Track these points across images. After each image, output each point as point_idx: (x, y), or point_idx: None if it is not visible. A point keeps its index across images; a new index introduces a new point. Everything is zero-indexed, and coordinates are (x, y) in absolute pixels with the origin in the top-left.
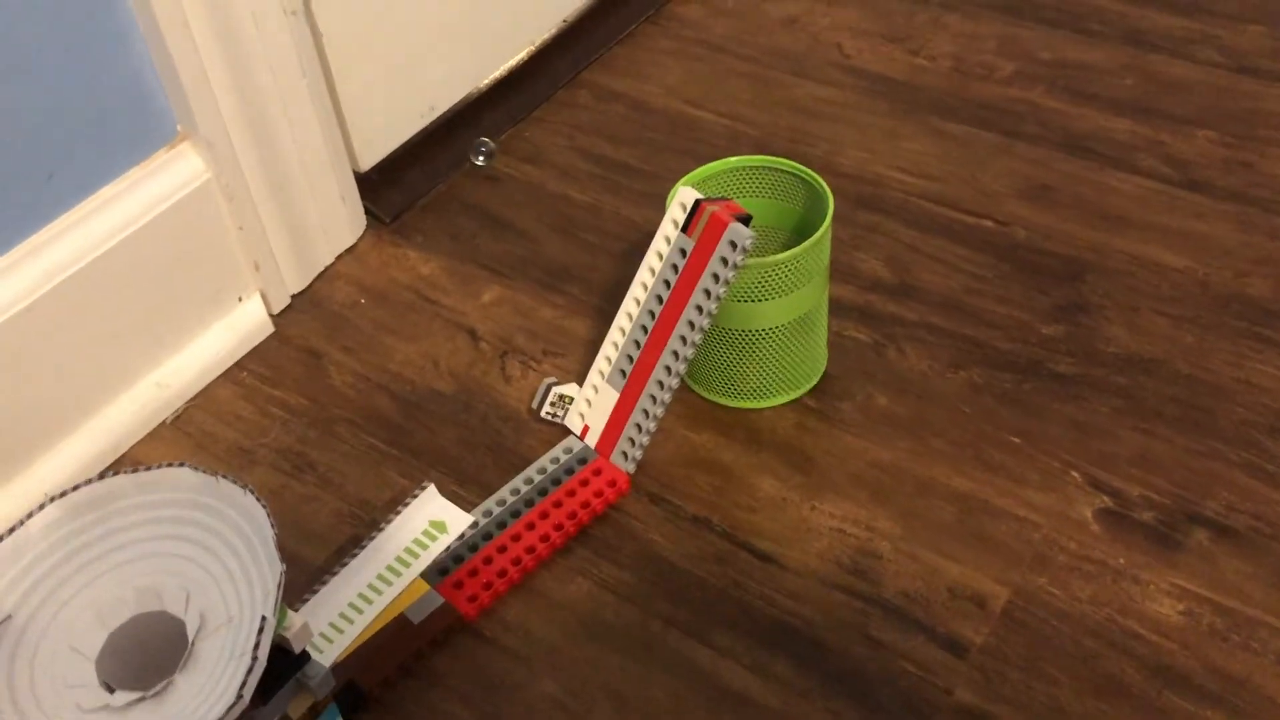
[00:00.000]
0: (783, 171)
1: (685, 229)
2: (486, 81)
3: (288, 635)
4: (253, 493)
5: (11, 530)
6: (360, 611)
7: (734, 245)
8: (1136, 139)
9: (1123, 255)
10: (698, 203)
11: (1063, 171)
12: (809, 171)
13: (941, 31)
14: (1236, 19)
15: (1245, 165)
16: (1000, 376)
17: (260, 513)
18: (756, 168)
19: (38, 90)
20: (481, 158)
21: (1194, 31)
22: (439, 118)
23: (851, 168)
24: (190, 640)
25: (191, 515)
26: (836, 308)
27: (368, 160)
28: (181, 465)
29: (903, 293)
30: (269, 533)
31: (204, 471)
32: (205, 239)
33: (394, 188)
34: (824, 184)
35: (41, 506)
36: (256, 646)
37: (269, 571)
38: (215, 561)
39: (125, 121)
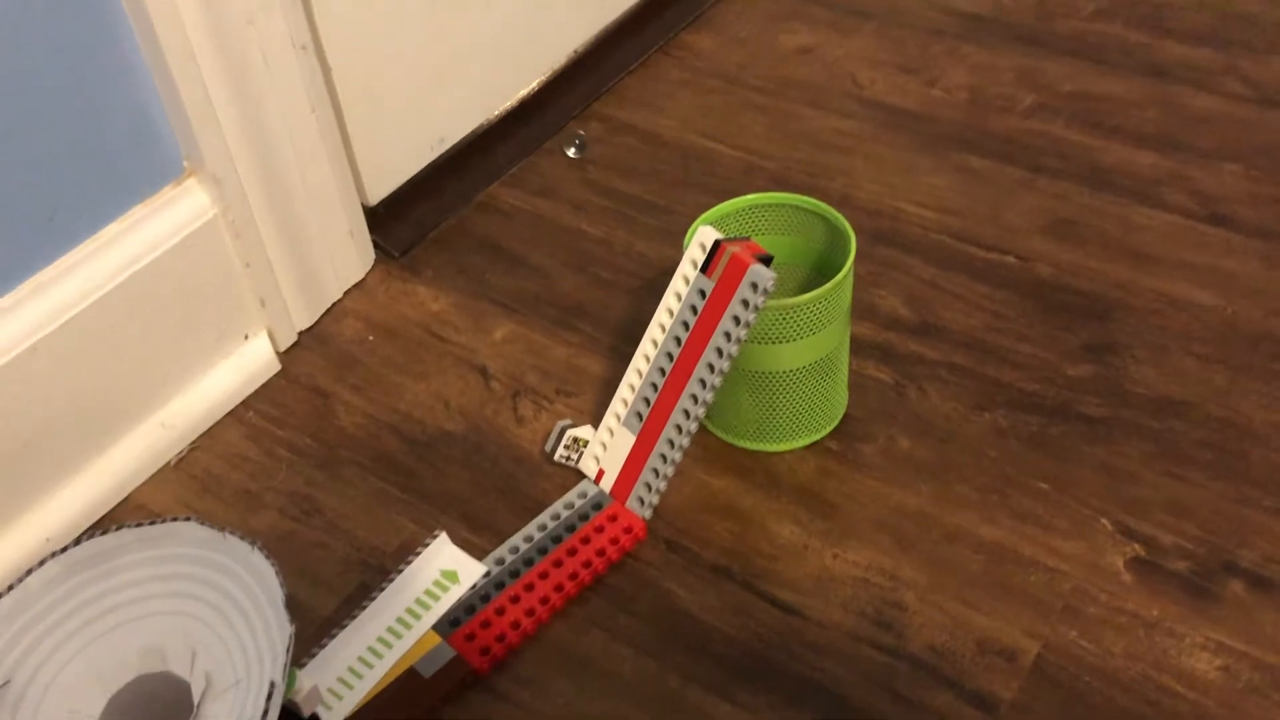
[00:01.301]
0: (803, 209)
1: (705, 269)
2: (497, 113)
3: (297, 700)
4: (261, 550)
5: (10, 587)
6: (370, 666)
7: (755, 287)
8: (1161, 173)
9: (1150, 293)
10: (718, 243)
11: (1086, 206)
12: (830, 209)
13: (958, 63)
14: (1260, 51)
15: (1273, 200)
16: (1026, 419)
17: (269, 571)
18: (776, 205)
19: (41, 125)
20: (574, 150)
21: (1217, 63)
22: (449, 150)
23: (869, 202)
24: (196, 703)
25: (198, 572)
26: (856, 346)
27: (377, 194)
28: (188, 519)
29: (923, 331)
30: (278, 593)
31: (211, 526)
32: (211, 276)
33: (403, 222)
34: (845, 222)
35: (41, 563)
36: (265, 714)
37: (278, 633)
38: (222, 620)
39: (130, 157)
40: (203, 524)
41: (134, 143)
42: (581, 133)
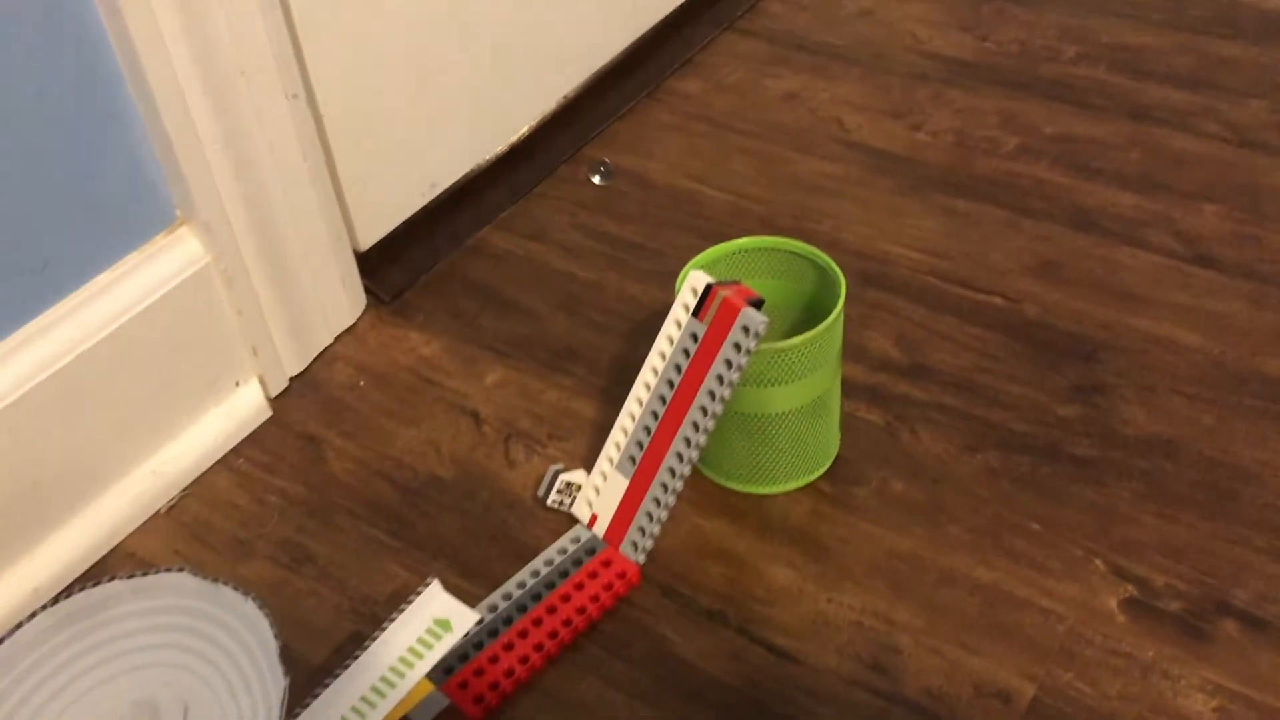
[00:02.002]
0: (793, 253)
1: (696, 313)
2: (488, 158)
3: None
4: (255, 601)
5: (0, 640)
6: (363, 715)
7: (747, 330)
8: (1144, 214)
9: (1136, 333)
10: (709, 287)
11: (1071, 247)
12: (820, 253)
13: (943, 107)
14: (1237, 93)
15: (1254, 240)
16: (1017, 459)
17: (263, 622)
18: (766, 249)
19: (34, 174)
20: (599, 177)
21: (1196, 105)
22: (440, 195)
23: (857, 244)
24: None
25: (190, 623)
26: (846, 388)
27: (368, 239)
28: (180, 569)
29: (913, 373)
30: (273, 644)
31: (203, 577)
32: (203, 324)
33: (394, 266)
34: (835, 266)
35: (32, 615)
36: None
37: (272, 685)
38: (215, 672)
39: (123, 206)
40: (195, 574)
41: (127, 191)
42: (606, 160)
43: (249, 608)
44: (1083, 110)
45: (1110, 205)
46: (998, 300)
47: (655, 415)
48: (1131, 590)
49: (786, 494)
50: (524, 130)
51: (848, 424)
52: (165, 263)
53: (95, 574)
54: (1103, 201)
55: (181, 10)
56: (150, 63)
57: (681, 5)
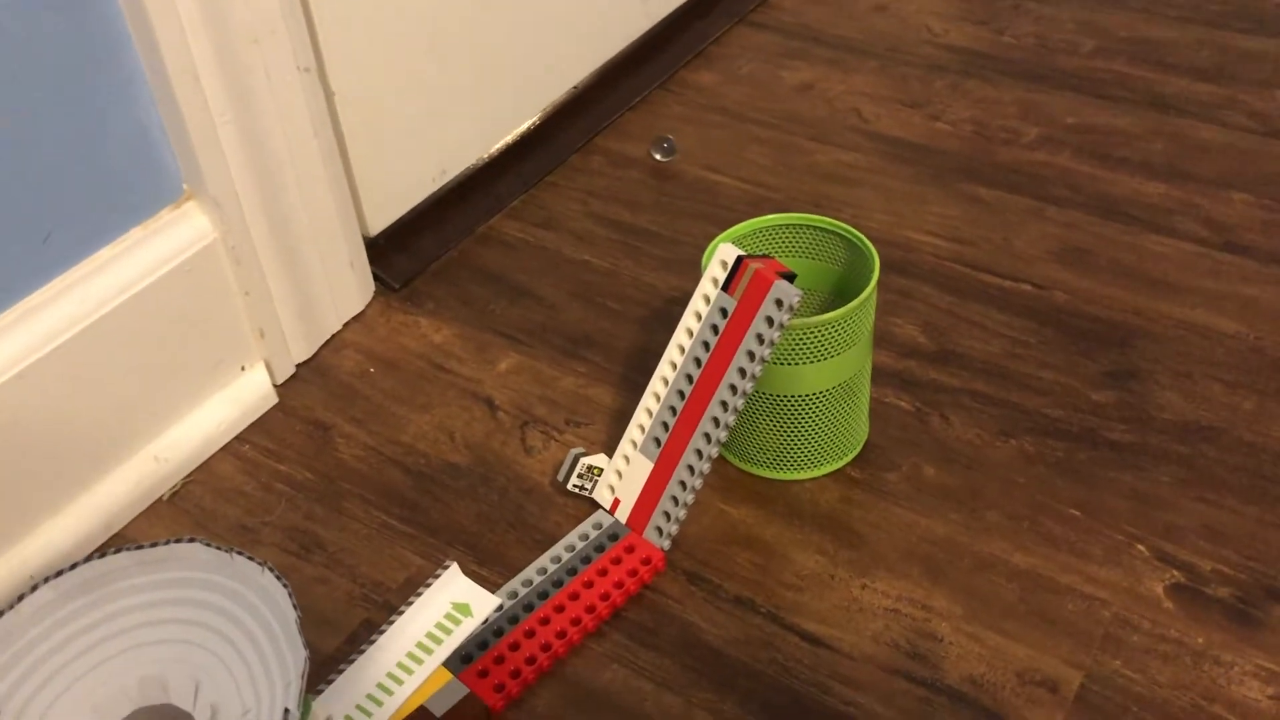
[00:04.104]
0: (823, 230)
1: (726, 287)
2: (498, 146)
3: None
4: (272, 570)
5: (0, 614)
6: (379, 704)
7: (780, 304)
8: (1171, 202)
9: (1169, 320)
10: (740, 259)
11: (1098, 235)
12: (852, 230)
13: (961, 97)
14: (1260, 84)
15: None
16: (1052, 445)
17: (281, 593)
18: (796, 226)
19: (37, 143)
20: (661, 153)
21: (1219, 96)
22: (450, 182)
23: (879, 231)
24: None
25: (202, 596)
26: (874, 375)
27: (377, 225)
28: (192, 540)
29: (942, 359)
30: (291, 615)
31: (217, 547)
32: (209, 304)
33: (403, 253)
34: (868, 242)
35: (34, 588)
36: None
37: (290, 659)
38: (228, 647)
39: (129, 178)
40: (208, 545)
41: (133, 163)
42: (670, 137)
43: (266, 578)
44: (1103, 101)
45: (1136, 193)
46: (1026, 287)
47: (681, 395)
48: (1178, 576)
49: (815, 480)
50: (535, 119)
51: (876, 410)
52: (171, 238)
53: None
54: (1128, 190)
55: None
56: (162, 29)
57: None
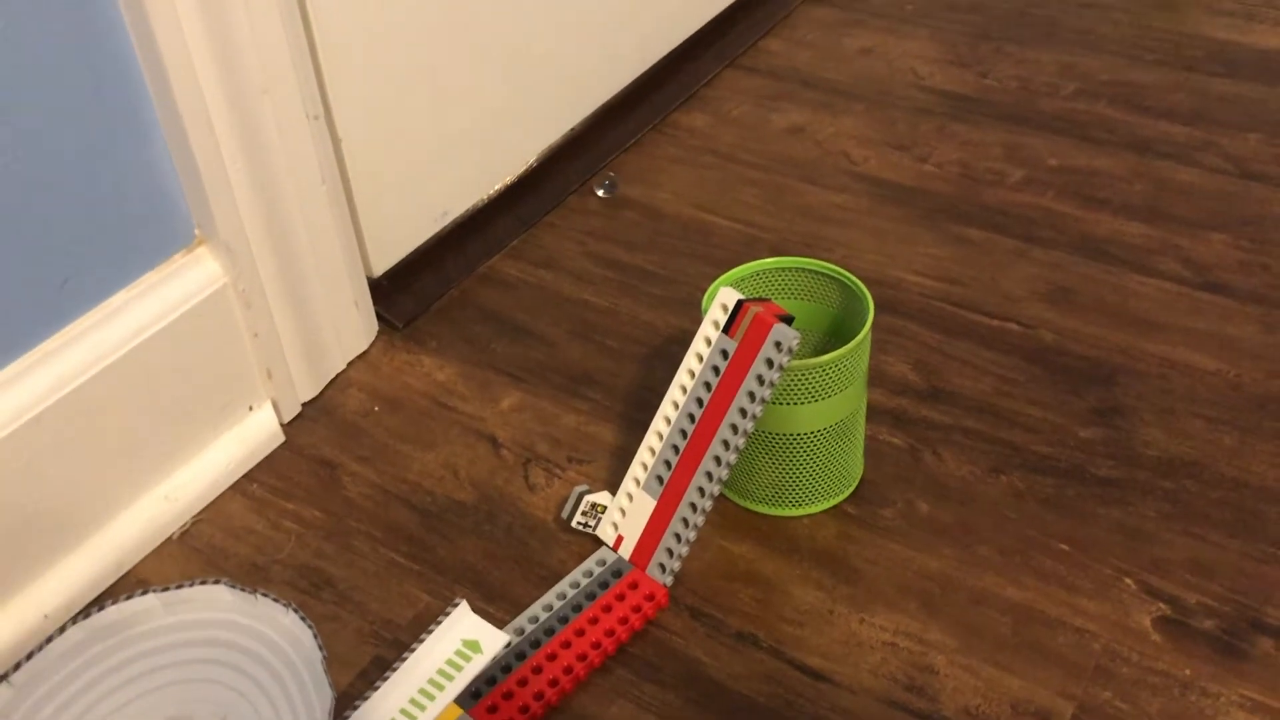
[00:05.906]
0: (818, 273)
1: (727, 330)
2: (498, 188)
3: None
4: (296, 611)
5: (30, 656)
6: None
7: (779, 346)
8: (1152, 242)
9: (1152, 358)
10: (740, 303)
11: (1082, 275)
12: (846, 273)
13: (947, 139)
14: (1236, 127)
15: (1262, 267)
16: (1042, 481)
17: (306, 633)
18: (792, 269)
19: (56, 191)
20: (603, 190)
21: (1196, 139)
22: (451, 223)
23: (869, 271)
24: None
25: (227, 636)
26: (868, 412)
27: (380, 265)
28: (217, 582)
29: (933, 397)
30: (317, 655)
31: (242, 589)
32: (219, 346)
33: (406, 294)
34: (862, 285)
35: (63, 629)
36: None
37: (316, 698)
38: (254, 687)
39: (144, 224)
40: (232, 586)
41: (148, 209)
42: (613, 174)
43: (290, 619)
44: (1085, 144)
45: (1118, 234)
46: (1013, 326)
47: (684, 434)
48: (1164, 609)
49: (811, 516)
50: (532, 160)
51: (871, 448)
52: (184, 282)
53: (105, 601)
54: (1110, 230)
55: (207, 26)
56: (177, 78)
57: (685, 41)
